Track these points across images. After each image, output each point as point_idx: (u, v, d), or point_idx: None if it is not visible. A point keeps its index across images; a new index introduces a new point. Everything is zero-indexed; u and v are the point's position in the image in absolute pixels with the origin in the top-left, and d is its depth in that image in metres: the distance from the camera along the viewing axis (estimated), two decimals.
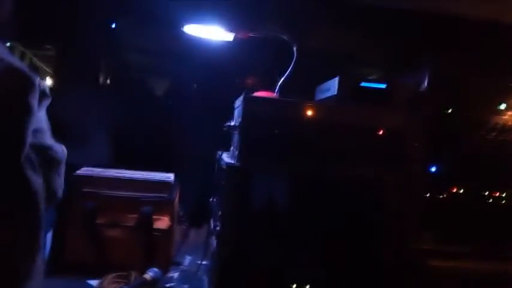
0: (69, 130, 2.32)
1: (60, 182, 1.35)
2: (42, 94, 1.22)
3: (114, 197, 2.13)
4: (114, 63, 3.12)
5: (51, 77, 3.15)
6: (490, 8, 2.27)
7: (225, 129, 1.85)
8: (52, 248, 2.04)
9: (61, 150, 1.37)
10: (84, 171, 2.23)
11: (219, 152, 2.01)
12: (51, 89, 1.30)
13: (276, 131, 1.63)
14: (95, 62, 3.05)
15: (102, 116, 2.89)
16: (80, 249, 2.06)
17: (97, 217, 2.09)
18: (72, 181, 2.10)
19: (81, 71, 2.94)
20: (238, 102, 1.79)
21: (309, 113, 1.65)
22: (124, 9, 2.91)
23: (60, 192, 1.36)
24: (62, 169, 1.38)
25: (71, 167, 2.22)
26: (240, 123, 1.67)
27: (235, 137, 1.81)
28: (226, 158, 1.85)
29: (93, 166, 2.32)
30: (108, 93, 3.11)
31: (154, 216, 2.12)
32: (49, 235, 2.03)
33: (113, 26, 3.07)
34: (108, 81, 3.18)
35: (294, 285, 1.68)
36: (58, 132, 1.36)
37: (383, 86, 1.76)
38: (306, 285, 1.68)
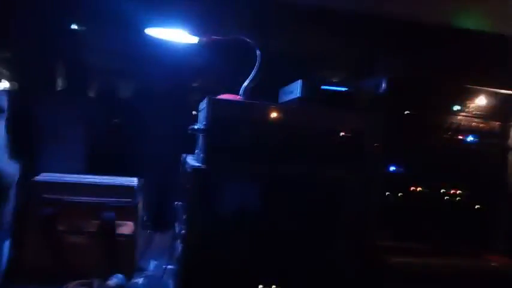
0: (29, 134, 2.25)
1: (8, 208, 1.31)
2: None
3: (75, 203, 2.08)
4: (75, 66, 3.04)
5: (10, 80, 3.03)
6: (444, 14, 2.37)
7: (189, 132, 1.84)
8: (10, 256, 1.96)
9: (10, 172, 1.32)
10: (43, 176, 2.16)
11: (184, 155, 2.00)
12: (9, 92, 1.26)
13: (241, 133, 1.64)
14: (54, 64, 2.96)
15: (63, 119, 2.82)
16: (39, 257, 1.99)
17: (57, 224, 2.03)
18: (31, 187, 2.03)
19: (40, 73, 2.85)
20: (203, 105, 1.79)
21: (273, 115, 1.67)
22: (84, 10, 2.85)
23: (7, 219, 1.32)
24: (11, 193, 1.33)
25: (31, 171, 2.15)
26: (205, 126, 1.67)
27: (200, 140, 1.81)
28: (191, 160, 1.85)
29: (54, 171, 2.26)
30: (68, 96, 3.03)
31: (117, 222, 2.08)
32: (6, 243, 1.96)
33: (73, 27, 3.00)
34: (68, 83, 3.10)
35: (260, 286, 1.69)
36: (17, 137, 1.32)
37: (344, 88, 1.81)
38: (273, 285, 1.70)
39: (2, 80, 2.97)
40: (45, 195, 2.05)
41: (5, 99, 1.21)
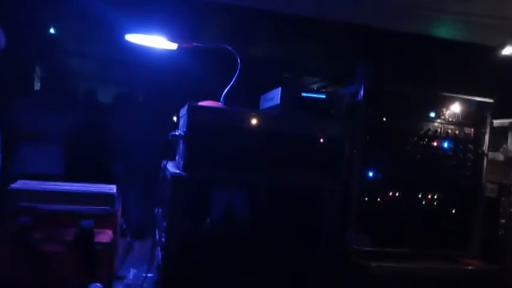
0: (4, 140, 2.20)
1: None
2: None
3: (52, 211, 2.03)
4: (54, 71, 3.00)
5: None
6: (419, 24, 2.43)
7: (169, 138, 1.83)
8: None
9: None
10: (19, 184, 2.11)
11: (164, 162, 1.99)
12: None
13: (221, 140, 1.64)
14: (31, 67, 2.92)
15: (39, 124, 2.77)
16: (15, 266, 1.94)
17: (34, 232, 1.98)
18: (7, 195, 1.99)
19: (16, 76, 2.80)
20: (183, 112, 1.79)
21: (253, 122, 1.68)
22: (65, 16, 2.82)
23: None
24: None
25: (6, 178, 2.10)
26: (185, 132, 1.66)
27: (181, 146, 1.80)
28: (171, 167, 1.84)
29: (29, 178, 2.21)
30: (46, 101, 2.98)
31: (96, 230, 2.05)
32: None
33: (51, 31, 2.96)
34: (47, 89, 3.05)
35: None
36: None
37: (323, 96, 1.83)
38: None
39: None
40: (21, 203, 2.01)
41: None
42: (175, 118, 2.06)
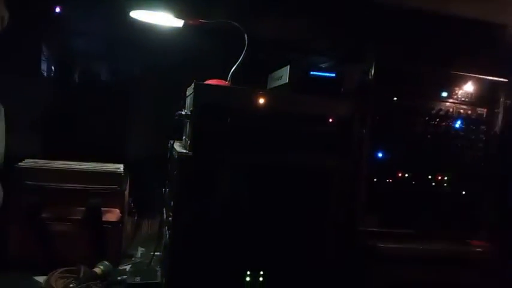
0: (10, 120, 2.20)
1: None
2: None
3: (60, 190, 2.04)
4: (58, 49, 2.98)
5: None
6: (433, 1, 2.36)
7: (176, 118, 1.82)
8: None
9: None
10: (27, 163, 2.12)
11: (171, 141, 1.98)
12: None
13: (228, 120, 1.62)
14: (36, 48, 2.89)
15: (46, 104, 2.76)
16: (24, 244, 1.96)
17: (42, 211, 2.00)
18: (15, 174, 1.99)
19: (22, 57, 2.78)
20: (190, 91, 1.76)
21: (260, 101, 1.65)
22: None
23: None
24: None
25: (14, 158, 2.11)
26: (192, 111, 1.64)
27: (187, 126, 1.79)
28: (178, 147, 1.83)
29: (37, 157, 2.21)
30: (52, 80, 2.96)
31: (103, 209, 2.06)
32: None
33: (56, 9, 2.92)
34: (53, 68, 3.04)
35: (248, 272, 1.69)
36: None
37: (332, 74, 1.79)
38: (260, 271, 1.70)
39: None
40: (29, 182, 2.02)
41: None
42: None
